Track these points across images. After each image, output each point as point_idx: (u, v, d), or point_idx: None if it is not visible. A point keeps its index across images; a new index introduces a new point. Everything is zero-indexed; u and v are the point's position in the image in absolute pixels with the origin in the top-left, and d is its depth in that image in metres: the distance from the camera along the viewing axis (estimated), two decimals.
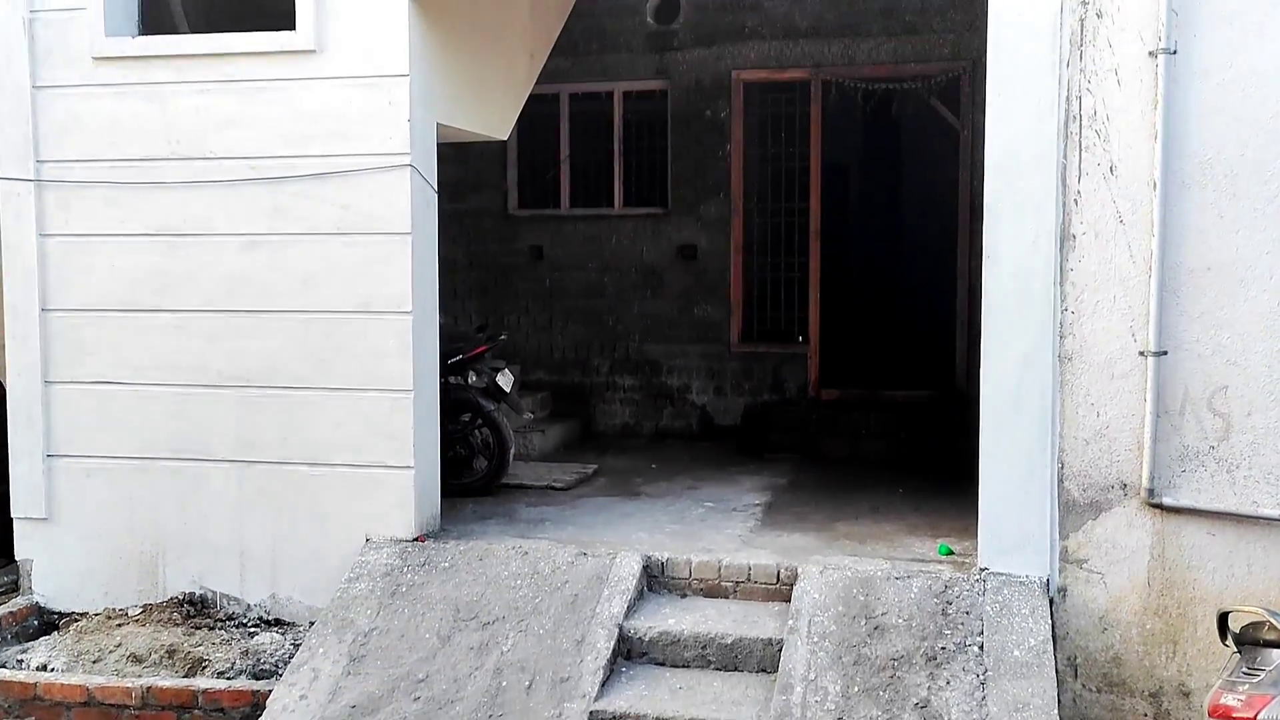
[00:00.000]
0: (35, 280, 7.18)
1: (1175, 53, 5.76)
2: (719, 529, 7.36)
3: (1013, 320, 6.09)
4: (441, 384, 7.43)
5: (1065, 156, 5.97)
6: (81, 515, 7.26)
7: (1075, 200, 5.98)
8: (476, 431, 8.36)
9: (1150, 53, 5.80)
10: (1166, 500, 5.92)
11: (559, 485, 8.63)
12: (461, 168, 10.89)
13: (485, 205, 11.48)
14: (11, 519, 7.38)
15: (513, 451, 8.39)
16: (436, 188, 7.13)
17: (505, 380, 8.49)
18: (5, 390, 7.46)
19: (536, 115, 10.15)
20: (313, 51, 6.85)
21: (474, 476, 8.34)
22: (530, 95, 8.89)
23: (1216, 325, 5.86)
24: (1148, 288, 5.90)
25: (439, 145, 7.22)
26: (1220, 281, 5.83)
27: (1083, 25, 5.91)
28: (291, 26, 6.89)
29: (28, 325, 7.22)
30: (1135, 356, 5.95)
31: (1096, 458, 6.03)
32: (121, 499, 7.20)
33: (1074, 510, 6.07)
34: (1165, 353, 5.90)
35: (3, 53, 7.07)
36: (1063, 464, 6.06)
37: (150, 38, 7.14)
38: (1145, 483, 5.92)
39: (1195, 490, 5.92)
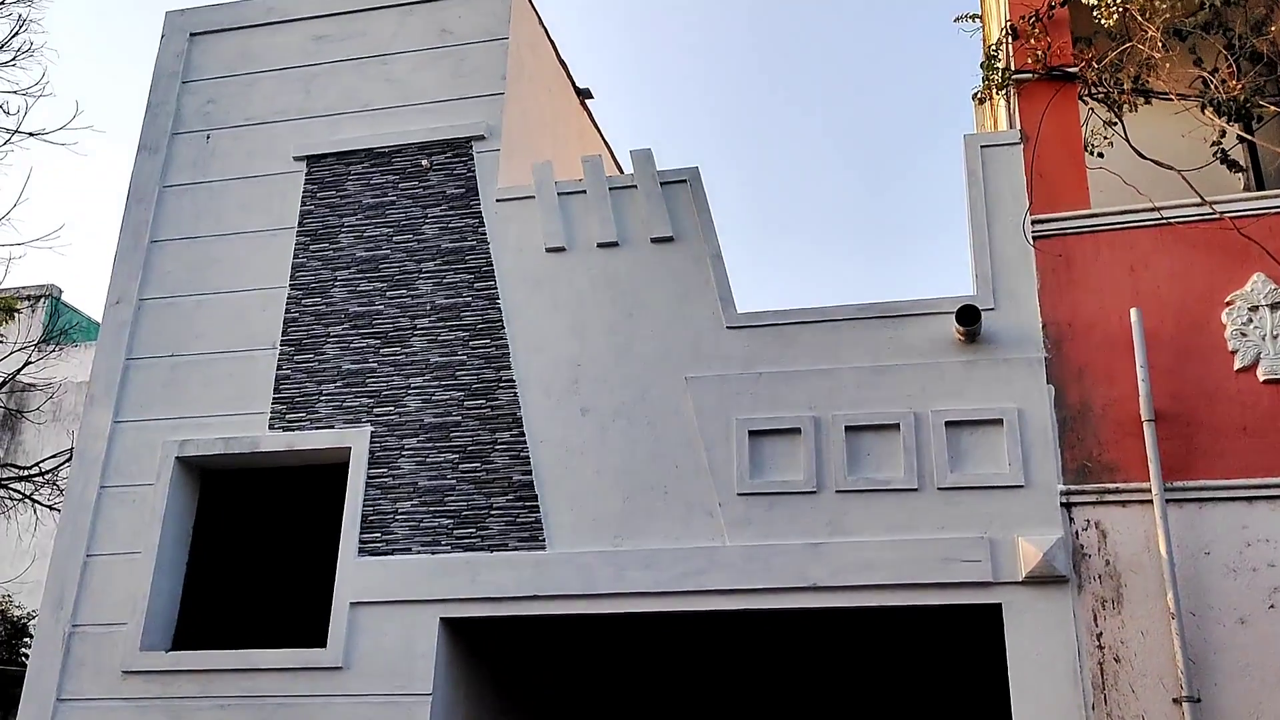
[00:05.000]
0: None
1: (1199, 701, 5.76)
2: None
3: None
4: None
5: None
6: None
7: None
8: None
9: (1175, 700, 5.81)
10: None
11: None
12: None
13: None
14: None
15: None
16: None
17: None
18: None
19: None
20: (339, 669, 6.94)
21: None
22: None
23: None
24: None
25: None
26: None
27: (1102, 669, 5.98)
28: (322, 642, 7.05)
29: None
30: None
31: None
32: None
33: None
34: None
35: (37, 667, 7.25)
36: None
37: (181, 653, 7.30)
38: None
39: None
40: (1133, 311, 6.50)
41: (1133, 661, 5.94)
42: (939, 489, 6.54)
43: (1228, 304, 6.47)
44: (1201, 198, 6.61)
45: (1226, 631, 5.87)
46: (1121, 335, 6.53)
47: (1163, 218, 6.68)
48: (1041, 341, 6.67)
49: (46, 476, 12.50)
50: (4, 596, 12.83)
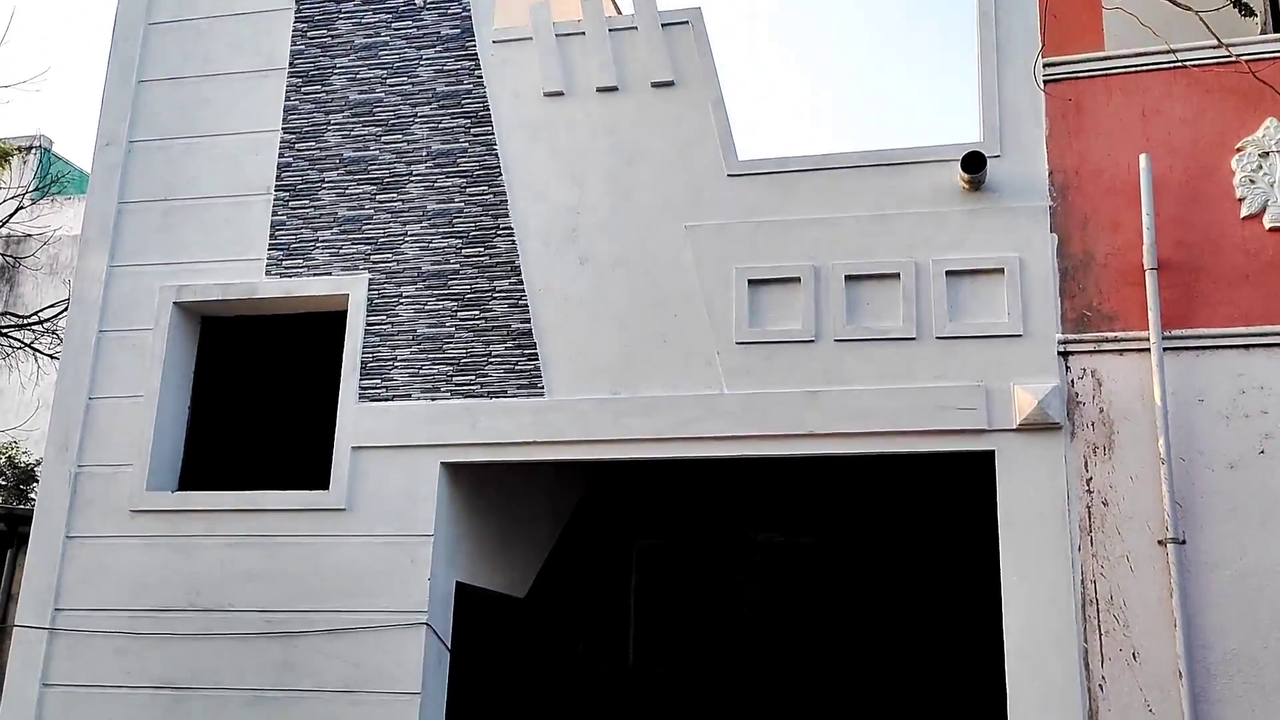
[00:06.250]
0: None
1: (1184, 543, 5.89)
2: None
3: None
4: None
5: (1085, 640, 5.93)
6: None
7: (1100, 686, 5.85)
8: None
9: (1160, 542, 5.94)
10: None
11: None
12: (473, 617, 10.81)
13: (494, 657, 11.25)
14: None
15: None
16: (450, 647, 7.06)
17: None
18: None
19: (553, 569, 10.22)
20: (343, 510, 7.08)
21: None
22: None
23: None
24: None
25: None
26: None
27: (1090, 512, 6.10)
28: (324, 485, 7.17)
29: None
30: None
31: None
32: None
33: None
34: None
35: (45, 504, 7.39)
36: None
37: (187, 493, 7.43)
38: None
39: None
40: (1141, 158, 6.39)
41: (1120, 505, 6.05)
42: (937, 338, 6.55)
43: (1238, 150, 6.36)
44: (1218, 39, 6.43)
45: (1215, 476, 5.96)
46: (1129, 182, 6.44)
47: (1178, 60, 6.50)
48: (1047, 189, 6.58)
49: (45, 325, 12.53)
50: (10, 443, 13.00)
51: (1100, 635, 5.92)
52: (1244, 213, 6.28)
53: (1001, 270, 6.53)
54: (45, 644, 7.14)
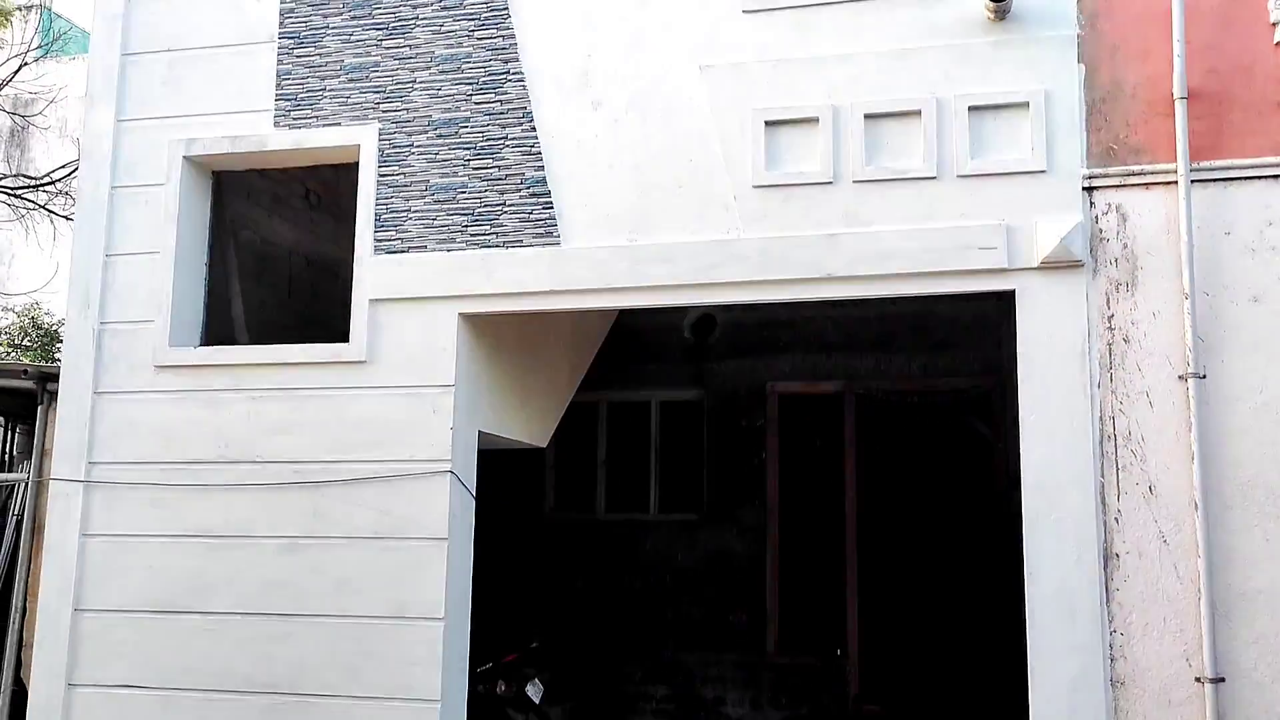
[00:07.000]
0: (71, 581, 7.23)
1: (1204, 377, 5.89)
2: None
3: (1059, 641, 5.91)
4: (470, 692, 7.20)
5: (1103, 475, 5.99)
6: None
7: (1116, 519, 5.94)
8: None
9: (1180, 377, 5.94)
10: None
11: None
12: (499, 470, 11.03)
13: (521, 508, 11.53)
14: None
15: None
16: (475, 494, 7.20)
17: (534, 691, 8.26)
18: (27, 692, 7.33)
19: (574, 422, 10.37)
20: (363, 362, 7.13)
21: None
22: (569, 403, 9.14)
23: (1273, 651, 5.66)
24: (1198, 610, 5.75)
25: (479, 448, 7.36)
26: (1273, 605, 5.69)
27: (1110, 349, 6.08)
28: (344, 338, 7.21)
29: (59, 626, 7.18)
30: (1192, 683, 5.72)
31: None
32: None
33: None
34: (1223, 679, 5.67)
35: (71, 361, 7.47)
36: None
37: (211, 348, 7.49)
38: None
39: None
40: None
41: (1142, 342, 6.03)
42: (958, 177, 6.42)
43: None
44: None
45: (1239, 310, 5.91)
46: (1160, 8, 6.19)
47: None
48: (1076, 17, 6.35)
49: (58, 186, 12.47)
50: (33, 304, 13.11)
51: (1117, 470, 5.98)
52: (1278, 38, 6.06)
53: (1026, 104, 6.35)
54: (81, 496, 7.32)
